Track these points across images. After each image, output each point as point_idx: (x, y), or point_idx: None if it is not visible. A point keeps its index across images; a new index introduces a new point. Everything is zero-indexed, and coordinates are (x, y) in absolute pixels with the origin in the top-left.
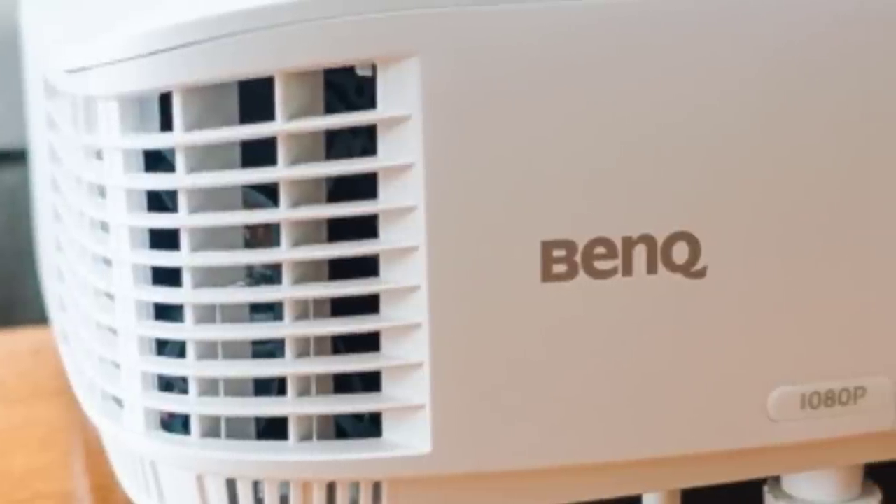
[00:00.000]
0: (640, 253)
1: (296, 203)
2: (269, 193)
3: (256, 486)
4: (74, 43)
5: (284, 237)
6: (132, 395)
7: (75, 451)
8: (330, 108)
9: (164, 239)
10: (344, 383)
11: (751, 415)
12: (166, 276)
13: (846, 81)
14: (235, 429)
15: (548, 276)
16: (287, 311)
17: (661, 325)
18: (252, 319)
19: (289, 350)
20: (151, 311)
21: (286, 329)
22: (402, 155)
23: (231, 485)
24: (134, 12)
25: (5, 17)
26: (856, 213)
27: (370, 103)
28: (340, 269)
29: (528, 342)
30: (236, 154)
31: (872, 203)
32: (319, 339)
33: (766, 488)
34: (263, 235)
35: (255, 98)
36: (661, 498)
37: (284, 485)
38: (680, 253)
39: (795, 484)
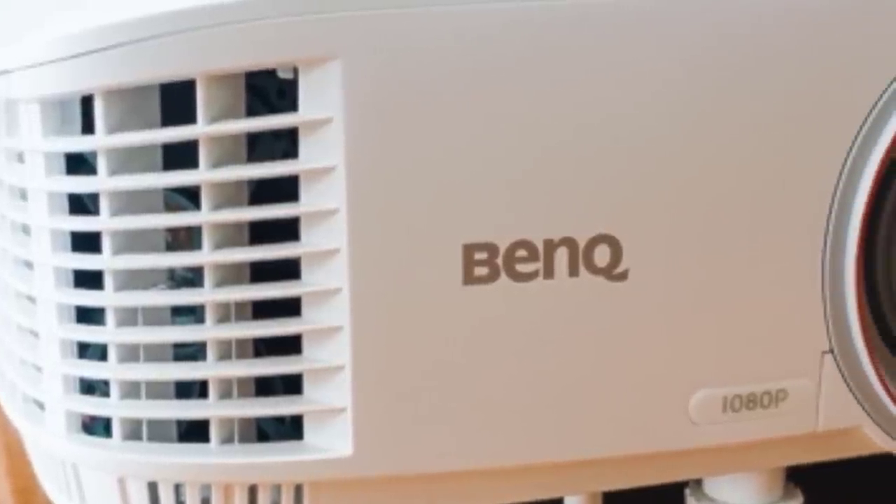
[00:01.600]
0: (561, 256)
1: (217, 206)
2: (190, 196)
3: (178, 488)
4: None
5: (206, 240)
6: (54, 397)
7: None
8: (252, 111)
9: (86, 242)
10: (266, 386)
11: (672, 418)
12: (88, 279)
13: (765, 85)
14: (157, 432)
15: (469, 278)
16: (209, 314)
17: (583, 328)
18: (174, 322)
19: (210, 353)
20: (73, 314)
21: (208, 332)
22: (323, 158)
23: (152, 487)
24: (56, 15)
25: None
26: (775, 216)
27: (292, 106)
28: (263, 272)
29: (449, 345)
30: (158, 157)
31: (791, 206)
32: (241, 342)
33: (687, 491)
34: (185, 238)
35: (176, 101)
36: (582, 500)
37: (206, 487)
38: (601, 256)
39: (717, 487)
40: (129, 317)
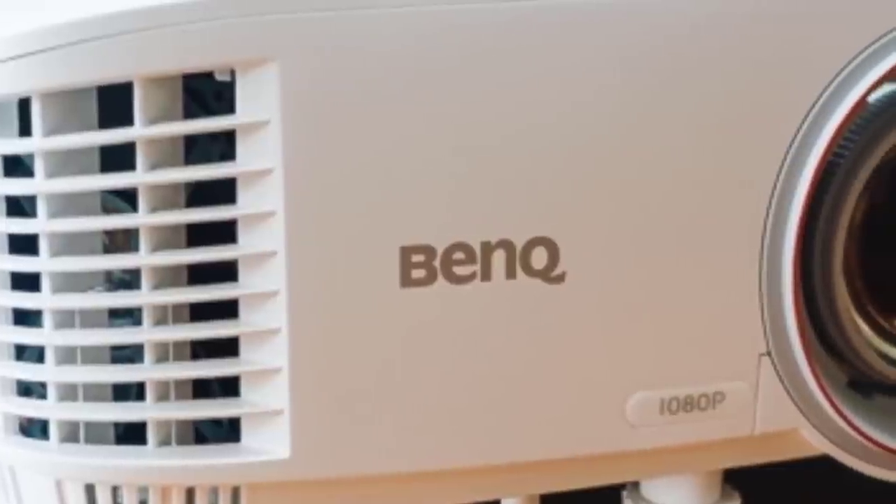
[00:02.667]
0: (499, 258)
1: (155, 208)
2: (128, 198)
3: (116, 490)
4: None
5: (143, 242)
6: None
7: None
8: (189, 114)
9: (23, 244)
10: (203, 388)
11: (610, 420)
12: (25, 281)
13: (702, 88)
14: (94, 434)
15: (407, 281)
16: (146, 317)
17: (520, 331)
18: (111, 324)
19: (148, 355)
20: (10, 316)
21: (145, 334)
22: (260, 160)
23: (90, 490)
24: None
25: None
26: (713, 219)
27: (229, 108)
28: (200, 274)
29: (387, 347)
30: (95, 159)
31: (729, 208)
32: (178, 344)
33: (624, 493)
34: (123, 240)
35: (114, 103)
36: (520, 503)
37: (143, 490)
38: (539, 258)
39: (654, 489)
40: (67, 319)
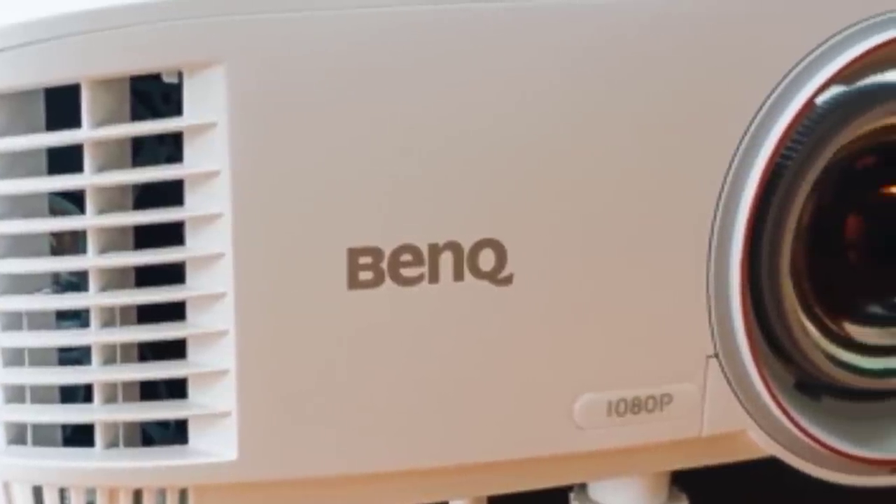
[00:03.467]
0: (446, 260)
1: (102, 210)
2: (75, 201)
3: (63, 492)
4: None
5: (91, 244)
6: None
7: None
8: (136, 116)
9: None
10: (151, 390)
11: (557, 422)
12: None
13: (649, 89)
14: (42, 436)
15: (354, 283)
16: (93, 318)
17: (468, 332)
18: (59, 327)
19: (95, 357)
20: None
21: (92, 336)
22: (207, 162)
23: (37, 491)
24: None
25: None
26: (660, 221)
27: (176, 110)
28: (148, 276)
29: (334, 349)
30: (42, 161)
31: (676, 210)
32: (126, 347)
33: (572, 495)
34: (70, 242)
35: (61, 105)
36: None
37: (91, 491)
38: (486, 260)
39: (601, 490)
40: (14, 321)
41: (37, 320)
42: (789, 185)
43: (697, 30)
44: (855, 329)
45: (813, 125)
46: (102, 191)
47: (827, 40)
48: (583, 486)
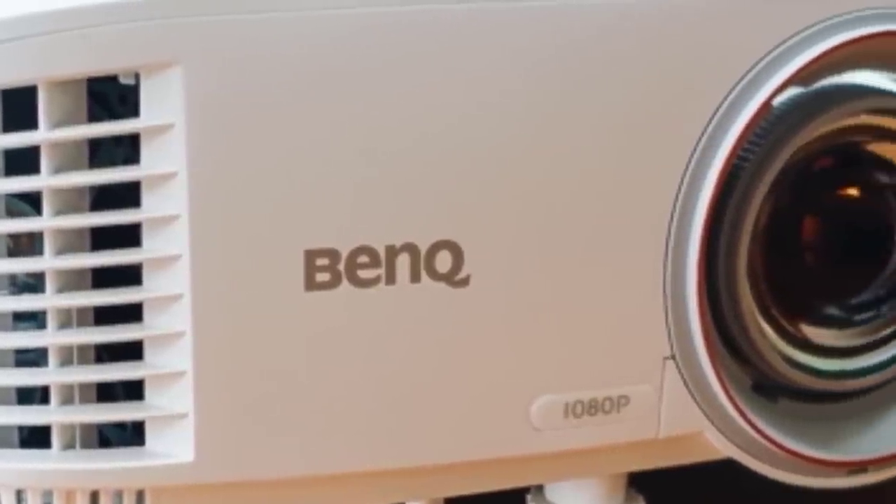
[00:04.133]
0: (403, 262)
1: (59, 212)
2: (32, 202)
3: (20, 494)
4: None
5: (48, 246)
6: None
7: None
8: (93, 117)
9: None
10: (108, 392)
11: (514, 423)
12: None
13: (606, 91)
14: None
15: (311, 284)
16: (50, 320)
17: (425, 334)
18: (15, 328)
19: (52, 359)
20: None
21: (49, 338)
22: (164, 163)
23: None
24: None
25: None
26: (617, 223)
27: (134, 112)
28: (105, 277)
29: (291, 351)
30: None
31: (633, 212)
32: (83, 348)
33: (529, 496)
34: (27, 244)
35: (18, 106)
36: None
37: (48, 493)
38: (443, 262)
39: (558, 492)
40: None
41: None
42: (746, 187)
43: (655, 31)
44: (812, 331)
45: (770, 126)
46: (59, 192)
47: (784, 42)
48: (540, 488)
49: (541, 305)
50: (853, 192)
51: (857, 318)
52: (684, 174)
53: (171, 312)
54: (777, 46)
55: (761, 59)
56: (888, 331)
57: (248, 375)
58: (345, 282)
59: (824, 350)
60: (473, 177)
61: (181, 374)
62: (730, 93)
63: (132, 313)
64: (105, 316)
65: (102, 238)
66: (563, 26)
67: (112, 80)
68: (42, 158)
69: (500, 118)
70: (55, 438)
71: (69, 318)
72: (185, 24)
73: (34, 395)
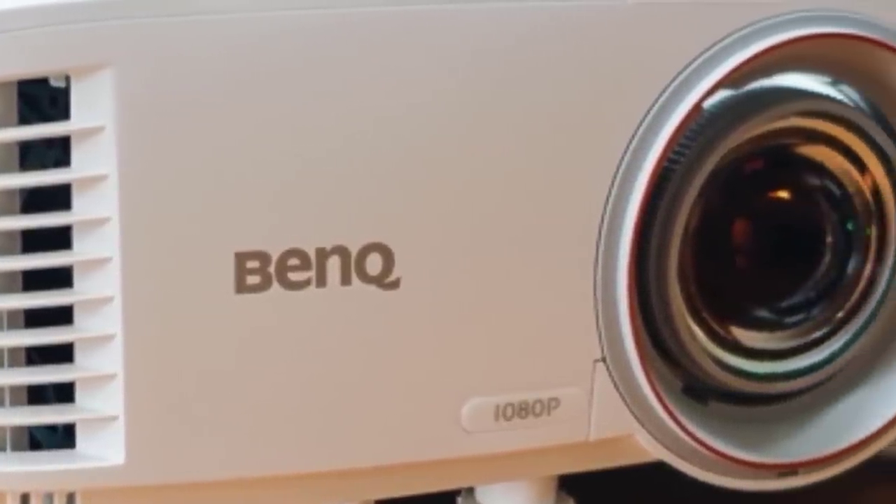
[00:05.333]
0: (333, 264)
1: None
2: None
3: None
4: None
5: None
6: None
7: None
8: (24, 119)
9: None
10: (38, 394)
11: (445, 426)
12: None
13: (535, 94)
14: None
15: (242, 287)
16: None
17: (355, 337)
18: None
19: None
20: None
21: None
22: (95, 166)
23: None
24: None
25: None
26: (548, 225)
27: (64, 114)
28: (36, 280)
29: (221, 354)
30: None
31: (564, 215)
32: (13, 350)
33: (459, 499)
34: None
35: None
36: None
37: None
38: (374, 264)
39: (489, 495)
40: None
41: None
42: (677, 189)
43: (585, 33)
44: (742, 333)
45: (701, 129)
46: None
47: (715, 44)
48: (470, 490)
49: (471, 308)
50: (784, 194)
51: (788, 320)
52: (615, 177)
53: (102, 315)
54: (708, 49)
55: (692, 62)
56: (818, 333)
57: (179, 378)
58: (275, 284)
59: (755, 352)
60: (403, 179)
61: (112, 376)
62: (660, 95)
63: (63, 316)
64: (36, 318)
65: (33, 240)
66: (493, 29)
67: (43, 82)
68: None
69: (431, 121)
70: None
71: (0, 321)
72: (115, 27)
73: None
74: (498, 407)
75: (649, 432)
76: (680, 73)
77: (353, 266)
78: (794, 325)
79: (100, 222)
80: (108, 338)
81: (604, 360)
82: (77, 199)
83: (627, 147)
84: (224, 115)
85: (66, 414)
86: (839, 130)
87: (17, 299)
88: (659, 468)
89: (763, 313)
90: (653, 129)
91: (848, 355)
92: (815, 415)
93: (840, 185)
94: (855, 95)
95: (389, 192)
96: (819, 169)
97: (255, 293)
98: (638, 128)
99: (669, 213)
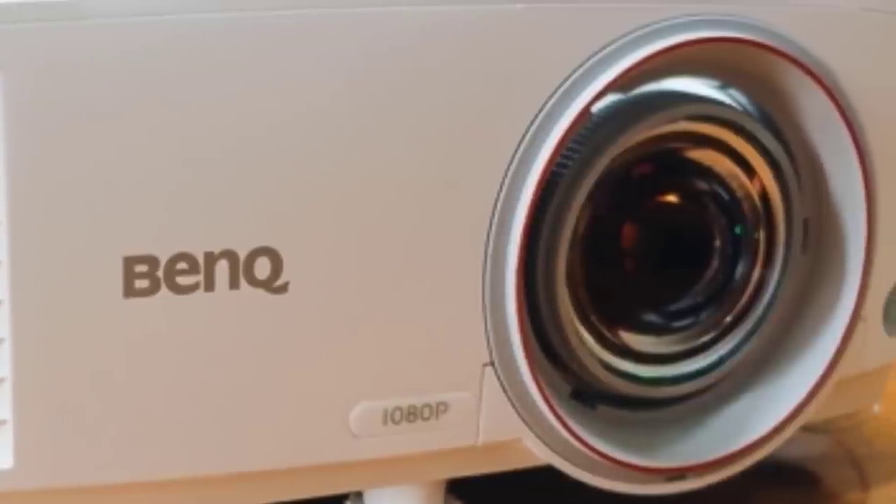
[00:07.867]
0: (222, 268)
1: None
2: None
3: None
4: None
5: None
6: None
7: None
8: None
9: None
10: None
11: (333, 430)
12: None
13: (423, 97)
14: None
15: (130, 291)
16: None
17: (244, 341)
18: None
19: None
20: None
21: None
22: None
23: None
24: None
25: None
26: (436, 229)
27: None
28: None
29: (110, 358)
30: None
31: (452, 219)
32: None
33: (347, 503)
34: None
35: None
36: None
37: None
38: (262, 268)
39: (377, 499)
40: None
41: None
42: (565, 193)
43: (472, 38)
44: (631, 337)
45: (589, 133)
46: None
47: (603, 48)
48: (358, 494)
49: (359, 312)
50: (672, 198)
51: (676, 324)
52: (503, 181)
53: None
54: (596, 53)
55: (580, 66)
56: (706, 338)
57: (67, 382)
58: (164, 288)
59: (643, 357)
60: (291, 184)
61: (1, 380)
62: (548, 99)
63: None
64: None
65: None
66: (381, 33)
67: None
68: None
69: (318, 125)
70: None
71: None
72: (4, 31)
73: None
74: (386, 411)
75: (538, 436)
76: (568, 77)
77: (241, 270)
78: (683, 329)
79: None
80: None
81: (492, 364)
82: None
83: (516, 151)
84: (113, 119)
85: None
86: (728, 134)
87: None
88: (549, 471)
89: (652, 317)
90: (541, 134)
91: (736, 359)
92: (705, 418)
93: (728, 188)
94: (744, 99)
95: (278, 197)
96: (707, 173)
97: (144, 297)
98: (526, 132)
99: (558, 218)
